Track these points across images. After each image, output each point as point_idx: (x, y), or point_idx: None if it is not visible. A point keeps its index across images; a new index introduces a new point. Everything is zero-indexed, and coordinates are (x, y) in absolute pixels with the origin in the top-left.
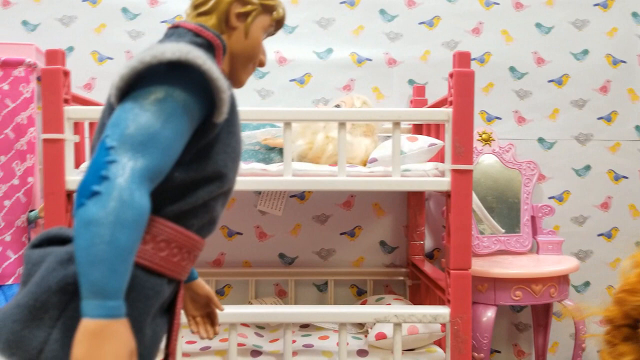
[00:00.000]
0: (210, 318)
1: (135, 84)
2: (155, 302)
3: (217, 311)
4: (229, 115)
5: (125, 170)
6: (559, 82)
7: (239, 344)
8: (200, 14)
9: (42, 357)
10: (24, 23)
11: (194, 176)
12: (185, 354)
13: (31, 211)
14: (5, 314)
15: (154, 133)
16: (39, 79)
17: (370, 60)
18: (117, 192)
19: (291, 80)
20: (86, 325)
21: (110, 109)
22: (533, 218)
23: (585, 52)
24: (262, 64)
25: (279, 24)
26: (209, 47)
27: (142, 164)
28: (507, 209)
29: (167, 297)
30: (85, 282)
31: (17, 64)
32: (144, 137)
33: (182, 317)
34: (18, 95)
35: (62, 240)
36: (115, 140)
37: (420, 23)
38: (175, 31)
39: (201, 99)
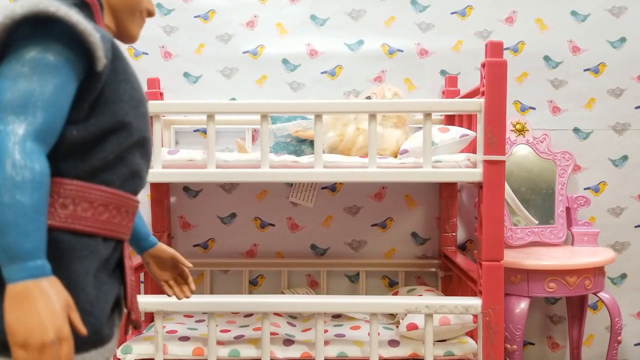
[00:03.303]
0: (182, 277)
1: (6, 49)
2: (92, 262)
3: (191, 277)
4: (113, 62)
5: (14, 134)
6: (595, 70)
7: (272, 333)
8: None
9: None
10: None
11: (95, 131)
12: (219, 342)
13: None
14: None
15: (33, 92)
16: None
17: (401, 51)
18: (10, 158)
19: (322, 73)
20: (12, 290)
21: None
22: (568, 209)
23: (623, 39)
24: (151, 14)
25: None
26: (83, 6)
27: (29, 125)
28: (541, 200)
29: (109, 255)
30: (0, 250)
31: None
32: (24, 99)
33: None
34: None
35: None
36: None
37: (453, 13)
38: None
39: (75, 50)
